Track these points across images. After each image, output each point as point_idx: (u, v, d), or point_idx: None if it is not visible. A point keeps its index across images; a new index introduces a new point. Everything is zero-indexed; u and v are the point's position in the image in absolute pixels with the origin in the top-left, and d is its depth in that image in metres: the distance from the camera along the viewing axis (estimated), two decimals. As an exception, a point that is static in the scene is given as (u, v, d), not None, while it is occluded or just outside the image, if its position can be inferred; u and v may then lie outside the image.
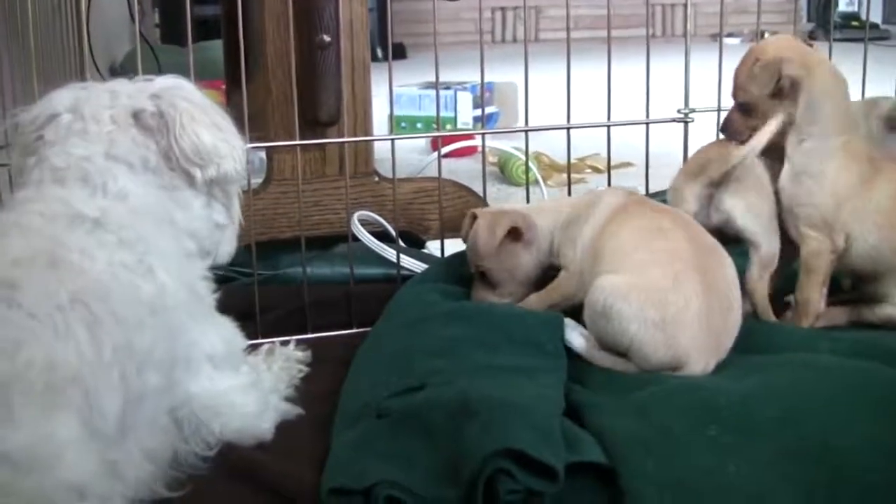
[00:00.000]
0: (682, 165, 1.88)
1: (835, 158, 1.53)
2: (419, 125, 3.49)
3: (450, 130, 3.34)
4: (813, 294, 1.53)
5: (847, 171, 1.53)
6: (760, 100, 1.55)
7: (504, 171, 2.84)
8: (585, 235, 1.50)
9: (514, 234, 1.54)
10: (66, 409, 1.00)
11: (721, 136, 1.62)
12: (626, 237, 1.43)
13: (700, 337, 1.32)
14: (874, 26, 6.66)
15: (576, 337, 1.38)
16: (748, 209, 1.53)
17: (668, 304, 1.33)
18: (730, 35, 6.64)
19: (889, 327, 1.53)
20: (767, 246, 1.53)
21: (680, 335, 1.32)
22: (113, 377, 1.05)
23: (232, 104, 2.23)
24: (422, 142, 3.21)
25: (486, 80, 3.51)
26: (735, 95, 1.59)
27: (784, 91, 1.53)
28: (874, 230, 1.51)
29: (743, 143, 1.54)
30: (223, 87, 2.62)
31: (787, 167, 1.55)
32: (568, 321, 1.41)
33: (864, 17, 6.91)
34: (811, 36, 7.23)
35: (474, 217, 1.59)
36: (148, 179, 1.24)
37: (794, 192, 1.55)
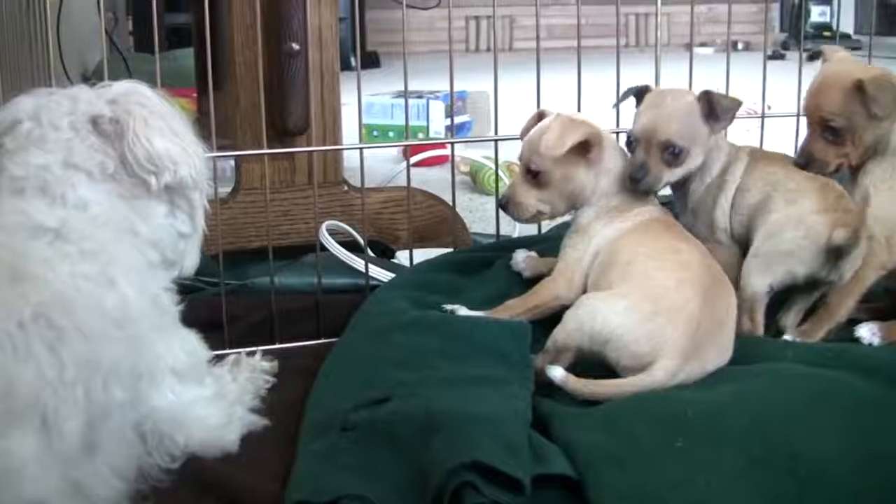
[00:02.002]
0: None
1: None
2: (391, 134, 3.49)
3: (421, 139, 3.34)
4: (850, 302, 1.52)
5: None
6: (859, 123, 1.53)
7: (476, 181, 2.84)
8: (603, 237, 1.50)
9: (584, 147, 1.52)
10: (27, 430, 0.99)
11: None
12: (640, 250, 1.44)
13: (684, 339, 1.31)
14: (846, 36, 6.68)
15: (555, 370, 1.35)
16: None
17: (665, 298, 1.34)
18: (702, 45, 6.68)
19: None
20: None
21: (668, 327, 1.31)
22: (77, 395, 1.04)
23: (203, 113, 2.22)
24: (393, 151, 3.21)
25: (460, 88, 3.54)
26: (821, 122, 1.55)
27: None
28: None
29: (829, 175, 1.56)
30: (195, 95, 2.61)
31: (863, 185, 1.55)
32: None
33: (835, 27, 6.94)
34: (784, 46, 7.28)
35: (540, 115, 1.58)
36: (108, 188, 1.22)
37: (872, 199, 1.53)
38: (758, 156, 1.60)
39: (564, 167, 1.53)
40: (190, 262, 1.34)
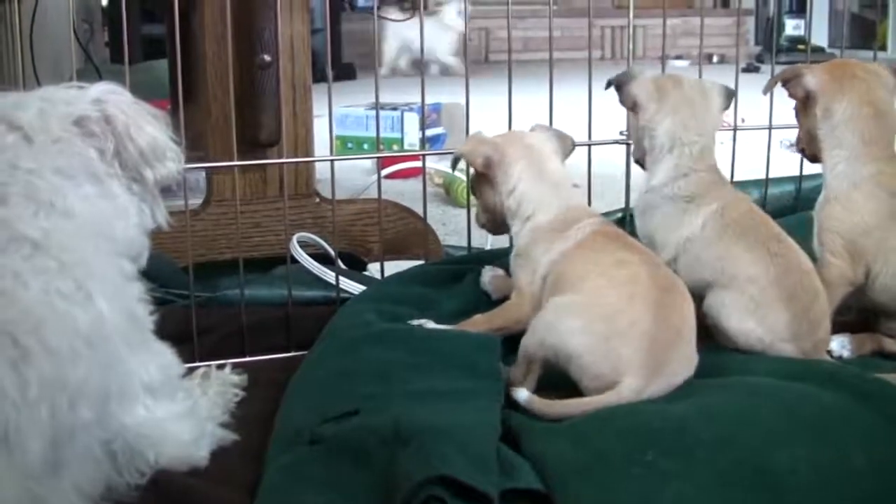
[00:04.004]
0: (624, 186, 1.90)
1: (863, 187, 1.53)
2: (366, 146, 3.48)
3: (396, 151, 3.34)
4: None
5: (876, 201, 1.52)
6: (798, 109, 1.61)
7: (449, 193, 2.84)
8: (547, 260, 1.48)
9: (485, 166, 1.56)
10: None
11: None
12: (589, 267, 1.42)
13: (642, 356, 1.30)
14: (820, 50, 6.72)
15: (520, 392, 1.33)
16: None
17: (617, 319, 1.32)
18: (678, 57, 6.70)
19: None
20: None
21: (623, 348, 1.30)
22: (40, 415, 1.02)
23: (176, 124, 2.21)
24: (367, 162, 3.20)
25: (436, 100, 3.53)
26: None
27: (801, 102, 1.58)
28: None
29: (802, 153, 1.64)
30: (168, 106, 2.60)
31: (823, 190, 1.57)
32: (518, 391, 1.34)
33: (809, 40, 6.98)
34: (758, 59, 7.31)
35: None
36: (93, 191, 1.21)
37: (822, 215, 1.55)
38: (729, 217, 1.50)
39: (478, 184, 1.59)
40: (146, 254, 1.32)
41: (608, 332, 1.31)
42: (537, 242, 1.51)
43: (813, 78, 1.56)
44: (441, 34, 6.13)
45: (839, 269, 1.52)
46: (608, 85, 1.62)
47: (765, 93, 1.67)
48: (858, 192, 1.53)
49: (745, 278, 1.45)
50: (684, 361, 1.34)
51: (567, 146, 1.62)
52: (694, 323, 1.38)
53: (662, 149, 1.55)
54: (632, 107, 1.58)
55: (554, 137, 1.61)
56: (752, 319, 1.44)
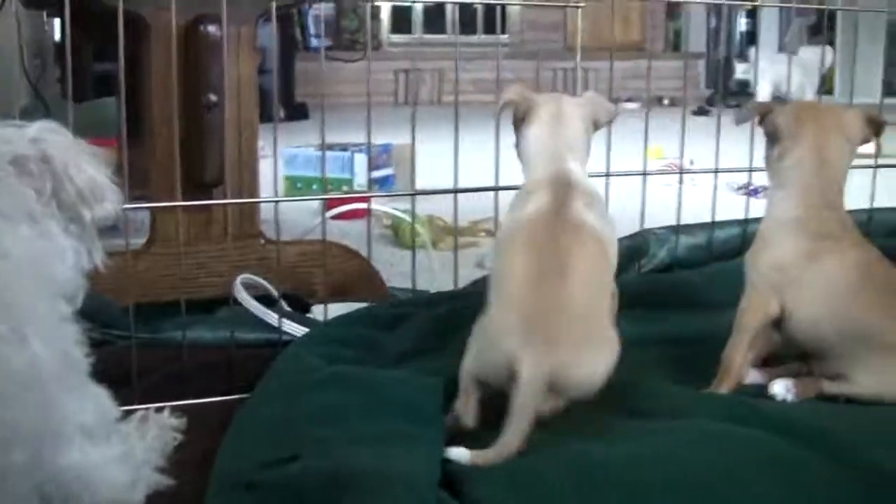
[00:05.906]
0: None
1: (783, 227, 1.54)
2: (315, 186, 3.47)
3: (346, 192, 3.33)
4: (735, 355, 1.51)
5: (794, 240, 1.52)
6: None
7: (397, 235, 2.83)
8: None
9: None
10: None
11: None
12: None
13: (521, 324, 1.30)
14: (769, 93, 6.80)
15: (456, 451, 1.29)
16: None
17: (501, 293, 1.36)
18: (629, 100, 6.75)
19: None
20: None
21: (502, 320, 1.33)
22: None
23: (121, 163, 2.19)
24: (316, 203, 3.19)
25: (386, 141, 3.54)
26: None
27: (768, 135, 1.58)
28: (812, 307, 1.50)
29: None
30: (116, 144, 2.58)
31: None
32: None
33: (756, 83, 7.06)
34: (709, 102, 7.39)
35: None
36: (30, 231, 1.18)
37: (749, 249, 1.57)
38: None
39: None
40: (83, 294, 1.30)
41: (493, 314, 1.35)
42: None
43: (781, 116, 1.58)
44: (799, 76, 5.80)
45: (752, 299, 1.53)
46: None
47: (737, 124, 1.68)
48: (781, 229, 1.54)
49: None
50: (590, 338, 1.35)
51: (603, 116, 1.61)
52: (595, 304, 1.38)
53: None
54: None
55: (589, 107, 1.59)
56: None
